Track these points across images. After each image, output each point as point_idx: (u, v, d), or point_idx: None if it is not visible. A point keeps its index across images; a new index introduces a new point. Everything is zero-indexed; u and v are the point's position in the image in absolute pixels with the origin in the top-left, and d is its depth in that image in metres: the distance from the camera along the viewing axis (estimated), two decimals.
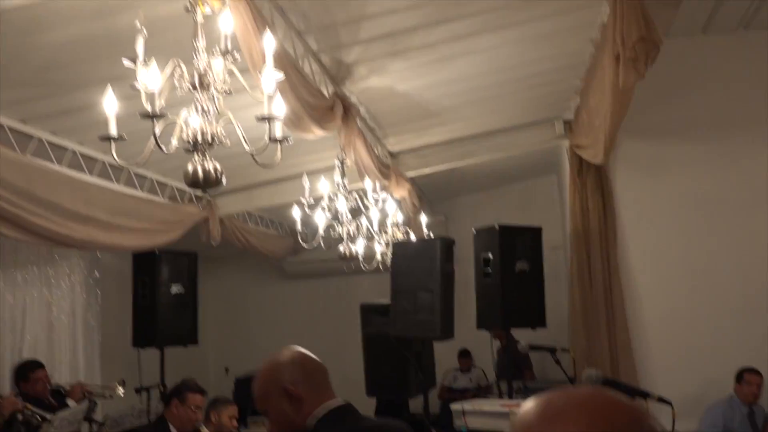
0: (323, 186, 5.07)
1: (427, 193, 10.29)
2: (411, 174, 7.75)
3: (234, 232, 8.07)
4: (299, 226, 5.07)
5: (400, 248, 6.51)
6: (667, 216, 7.02)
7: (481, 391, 9.68)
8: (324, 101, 4.57)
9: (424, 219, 7.35)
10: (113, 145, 2.69)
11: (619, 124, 5.43)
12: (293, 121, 3.97)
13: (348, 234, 5.15)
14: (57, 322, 7.01)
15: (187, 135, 2.65)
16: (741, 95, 7.06)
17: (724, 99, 7.10)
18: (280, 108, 2.79)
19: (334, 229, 5.23)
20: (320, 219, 5.11)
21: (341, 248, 5.29)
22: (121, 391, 6.45)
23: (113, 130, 2.64)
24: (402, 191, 7.44)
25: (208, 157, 2.69)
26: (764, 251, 6.85)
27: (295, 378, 2.30)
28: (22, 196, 4.49)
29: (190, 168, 2.68)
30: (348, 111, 4.97)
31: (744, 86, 7.04)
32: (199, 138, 2.64)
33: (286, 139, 2.80)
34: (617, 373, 6.68)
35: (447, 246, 6.29)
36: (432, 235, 7.51)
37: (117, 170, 5.96)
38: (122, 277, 7.61)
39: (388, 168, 6.79)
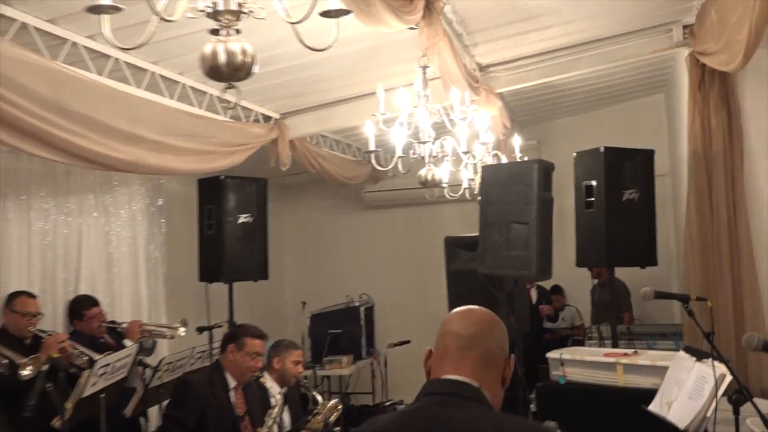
0: (401, 98, 4.28)
1: (518, 115, 9.37)
2: (503, 90, 6.85)
3: (306, 156, 7.38)
4: (372, 146, 4.32)
5: (490, 173, 5.69)
6: None
7: (574, 332, 8.87)
8: None
9: (517, 141, 6.48)
10: (106, 20, 1.95)
11: None
12: (361, 7, 3.17)
13: (430, 155, 4.36)
14: (117, 254, 6.47)
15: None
16: None
17: None
18: None
19: (414, 150, 4.44)
20: (398, 136, 4.34)
21: (422, 172, 4.51)
22: (182, 330, 5.90)
23: None
24: (492, 109, 6.57)
25: (233, 34, 1.92)
26: None
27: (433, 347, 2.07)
28: (51, 109, 3.85)
29: (207, 49, 1.93)
30: (431, 5, 4.13)
31: None
32: (220, 3, 1.88)
33: (342, 13, 2.01)
34: (741, 319, 5.77)
35: (545, 170, 5.44)
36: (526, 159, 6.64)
37: (171, 83, 5.28)
38: (189, 204, 7.02)
39: (477, 82, 5.93)
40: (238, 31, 2.02)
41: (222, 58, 1.88)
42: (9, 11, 3.84)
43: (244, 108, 6.34)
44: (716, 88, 6.06)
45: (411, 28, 4.29)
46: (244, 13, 1.91)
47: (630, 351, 5.63)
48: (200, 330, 5.77)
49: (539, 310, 8.93)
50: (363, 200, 10.47)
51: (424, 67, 4.38)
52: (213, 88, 5.80)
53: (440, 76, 4.83)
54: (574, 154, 6.35)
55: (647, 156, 6.28)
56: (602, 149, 6.06)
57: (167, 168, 4.96)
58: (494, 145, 6.89)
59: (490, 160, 6.30)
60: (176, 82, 5.33)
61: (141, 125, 4.58)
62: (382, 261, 10.51)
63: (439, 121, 4.46)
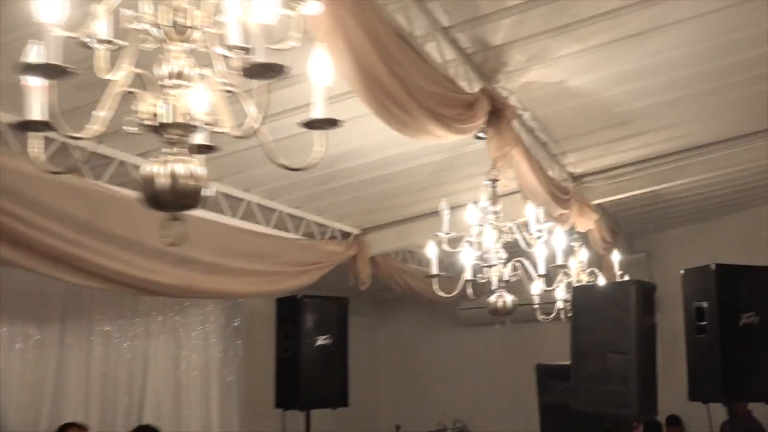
0: (470, 215, 3.83)
1: (623, 226, 8.72)
2: (599, 201, 6.28)
3: (390, 273, 6.95)
4: (434, 269, 3.87)
5: (582, 295, 5.09)
6: None
7: None
8: (458, 93, 3.34)
9: (616, 257, 5.86)
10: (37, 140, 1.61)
11: None
12: (399, 118, 2.76)
13: (500, 278, 3.84)
14: (186, 380, 6.14)
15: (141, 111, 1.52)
16: None
17: None
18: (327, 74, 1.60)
19: (483, 273, 3.94)
20: (466, 257, 3.86)
21: (492, 299, 3.99)
22: None
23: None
24: (588, 223, 6.01)
25: (179, 154, 1.53)
26: None
27: None
28: (87, 233, 3.60)
29: (146, 169, 1.54)
30: (500, 112, 3.70)
31: None
32: (163, 114, 1.50)
33: (334, 123, 1.59)
34: None
35: (646, 292, 4.81)
36: (627, 277, 5.99)
37: (233, 201, 5.01)
38: (269, 324, 6.64)
39: (567, 193, 5.40)
40: (208, 148, 1.63)
41: (161, 184, 1.49)
42: None
43: (318, 224, 6.01)
44: None
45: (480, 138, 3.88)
46: (195, 127, 1.51)
47: None
48: None
49: None
50: (458, 317, 9.88)
51: (494, 180, 3.94)
52: (282, 205, 5.51)
53: (519, 188, 4.36)
54: (682, 272, 5.66)
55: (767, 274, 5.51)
56: (713, 266, 5.34)
57: (224, 292, 4.64)
58: (593, 261, 6.31)
59: (586, 280, 5.68)
60: (240, 200, 5.05)
61: (194, 247, 4.28)
62: (479, 382, 9.84)
63: (512, 240, 3.96)
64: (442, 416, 8.94)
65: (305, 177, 5.09)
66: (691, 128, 5.47)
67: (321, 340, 6.38)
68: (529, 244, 3.81)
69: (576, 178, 6.16)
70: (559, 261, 3.81)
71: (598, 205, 6.65)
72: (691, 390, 5.54)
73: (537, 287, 5.76)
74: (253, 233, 5.03)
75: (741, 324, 5.31)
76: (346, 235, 6.40)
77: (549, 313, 5.95)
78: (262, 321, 7.16)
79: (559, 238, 3.82)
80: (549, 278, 4.95)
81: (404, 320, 10.69)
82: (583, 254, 5.55)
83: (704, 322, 5.33)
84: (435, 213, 6.24)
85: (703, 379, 5.37)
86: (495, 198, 3.93)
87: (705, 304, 5.34)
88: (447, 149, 4.95)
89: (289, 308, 6.32)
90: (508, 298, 3.80)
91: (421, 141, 3.40)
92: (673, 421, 8.18)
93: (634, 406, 4.54)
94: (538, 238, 3.72)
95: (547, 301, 6.09)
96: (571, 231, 6.10)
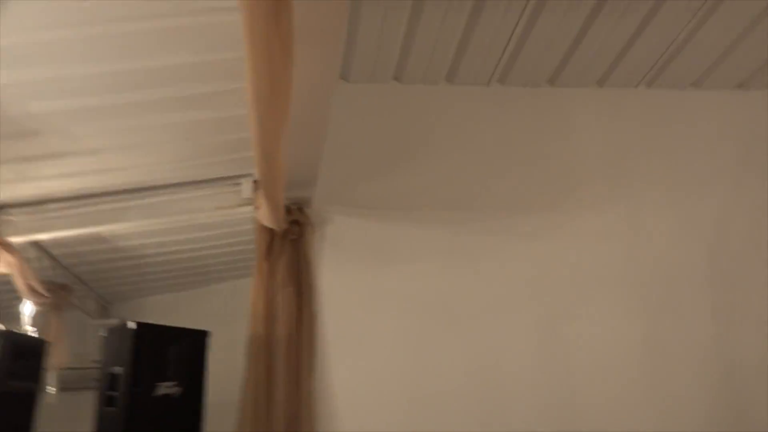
0: None
1: (104, 288, 7.78)
2: (22, 240, 5.15)
3: None
4: None
5: None
6: (389, 322, 5.00)
7: None
8: None
9: (27, 309, 4.76)
10: None
11: (277, 141, 3.25)
12: None
13: None
14: None
15: None
16: (488, 163, 5.34)
17: (466, 167, 5.34)
18: None
19: None
20: None
21: None
22: None
23: None
24: (2, 265, 4.84)
25: None
26: (511, 378, 4.99)
27: None
28: None
29: None
30: None
31: (493, 150, 5.33)
32: None
33: None
34: None
35: (18, 348, 3.77)
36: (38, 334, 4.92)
37: None
38: None
39: None
40: None
41: None
42: None
43: None
44: (286, 258, 4.92)
45: None
46: None
47: None
48: None
49: None
50: None
51: None
52: None
53: None
54: (102, 332, 4.79)
55: (198, 337, 4.86)
56: (133, 325, 4.54)
57: None
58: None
59: None
60: None
61: None
62: None
63: None
64: None
65: None
66: (125, 160, 4.65)
67: None
68: None
69: None
70: None
71: (41, 250, 5.58)
72: None
73: None
74: None
75: (160, 394, 4.56)
76: None
77: None
78: None
79: None
80: None
81: None
82: None
83: (116, 392, 4.47)
84: None
85: None
86: None
87: (119, 370, 4.49)
88: None
89: None
90: None
91: None
92: None
93: None
94: None
95: None
96: None
